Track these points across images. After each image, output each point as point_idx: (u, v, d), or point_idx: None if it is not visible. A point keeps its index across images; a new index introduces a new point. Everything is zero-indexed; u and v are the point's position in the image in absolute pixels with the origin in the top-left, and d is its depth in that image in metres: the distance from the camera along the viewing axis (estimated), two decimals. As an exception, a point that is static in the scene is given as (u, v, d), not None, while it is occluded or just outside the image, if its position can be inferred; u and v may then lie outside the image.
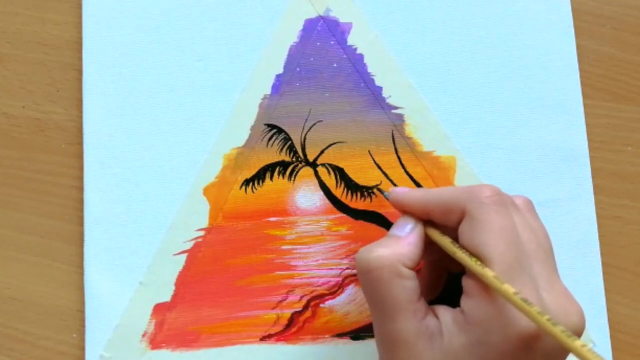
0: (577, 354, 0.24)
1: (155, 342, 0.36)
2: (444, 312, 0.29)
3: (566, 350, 0.27)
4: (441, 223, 0.31)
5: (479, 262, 0.28)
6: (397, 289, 0.29)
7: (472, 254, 0.28)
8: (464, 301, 0.28)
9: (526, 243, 0.29)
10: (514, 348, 0.26)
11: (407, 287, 0.29)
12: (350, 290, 0.37)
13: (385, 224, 0.37)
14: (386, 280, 0.29)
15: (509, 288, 0.26)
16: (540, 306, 0.27)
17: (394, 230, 0.31)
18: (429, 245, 0.31)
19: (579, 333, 0.28)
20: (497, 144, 0.38)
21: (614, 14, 0.40)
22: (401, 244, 0.30)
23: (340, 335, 0.36)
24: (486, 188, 0.29)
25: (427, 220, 0.31)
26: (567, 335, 0.25)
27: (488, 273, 0.27)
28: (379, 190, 0.37)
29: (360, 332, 0.36)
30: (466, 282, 0.28)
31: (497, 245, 0.27)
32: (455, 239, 0.29)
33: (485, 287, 0.27)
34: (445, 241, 0.30)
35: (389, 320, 0.29)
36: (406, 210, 0.32)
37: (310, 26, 0.39)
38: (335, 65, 0.39)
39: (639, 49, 0.40)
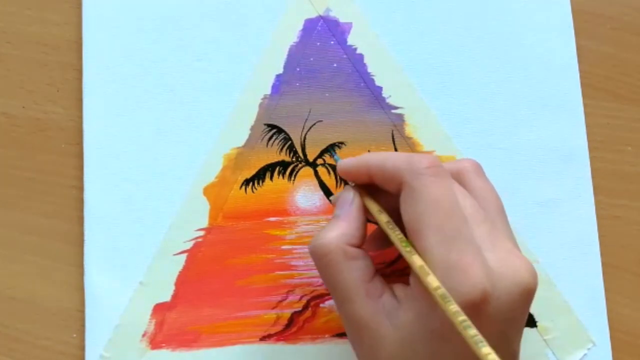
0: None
1: (155, 342, 0.36)
2: (399, 289, 0.29)
3: (521, 311, 0.28)
4: (383, 188, 0.31)
5: (409, 248, 0.28)
6: (347, 271, 0.29)
7: (410, 228, 0.28)
8: (411, 275, 0.29)
9: (466, 209, 0.29)
10: None
11: (357, 267, 0.29)
12: (350, 290, 0.37)
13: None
14: (335, 264, 0.29)
15: (432, 281, 0.27)
16: (484, 268, 0.27)
17: (335, 210, 0.32)
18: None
19: (529, 288, 0.28)
20: (497, 144, 0.38)
21: (614, 14, 0.40)
22: (342, 223, 0.30)
23: (340, 335, 0.36)
24: (424, 158, 0.29)
25: (369, 188, 0.32)
26: (475, 342, 0.25)
27: (416, 262, 0.27)
28: (332, 152, 0.37)
29: (360, 332, 0.36)
30: None
31: (434, 216, 0.28)
32: (398, 204, 0.29)
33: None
34: (382, 220, 0.30)
35: (346, 303, 0.29)
36: (352, 178, 0.32)
37: (310, 26, 0.39)
38: (335, 65, 0.39)
39: (639, 49, 0.40)
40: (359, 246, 0.30)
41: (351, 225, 0.30)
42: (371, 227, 0.32)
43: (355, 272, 0.29)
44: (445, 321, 0.26)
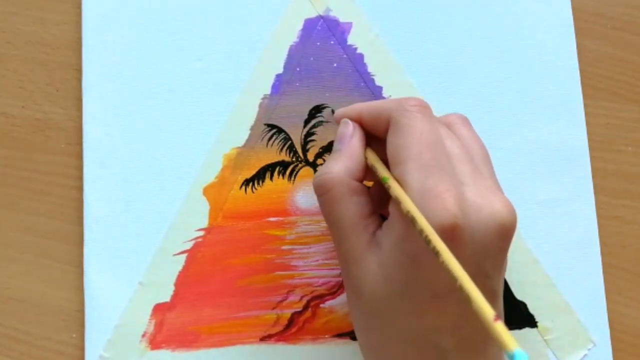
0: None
1: (155, 342, 0.36)
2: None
3: (497, 247, 0.28)
4: (372, 132, 0.31)
5: (387, 172, 0.29)
6: (349, 205, 0.30)
7: (392, 160, 0.29)
8: (390, 202, 0.29)
9: (449, 147, 0.29)
10: None
11: (359, 202, 0.30)
12: (350, 290, 0.37)
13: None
14: (339, 198, 0.30)
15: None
16: (459, 198, 0.27)
17: (335, 144, 0.32)
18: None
19: (505, 224, 0.28)
20: (497, 144, 0.38)
21: (614, 14, 0.40)
22: (344, 157, 0.31)
23: (340, 335, 0.36)
24: (412, 98, 0.30)
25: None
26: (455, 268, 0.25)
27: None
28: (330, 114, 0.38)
29: (360, 332, 0.36)
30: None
31: (415, 145, 0.28)
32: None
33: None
34: (368, 154, 0.31)
35: (344, 237, 0.30)
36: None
37: (310, 26, 0.39)
38: (335, 65, 0.39)
39: (639, 49, 0.40)
40: (361, 180, 0.31)
41: (354, 159, 0.31)
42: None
43: (356, 206, 0.30)
44: (420, 244, 0.26)
